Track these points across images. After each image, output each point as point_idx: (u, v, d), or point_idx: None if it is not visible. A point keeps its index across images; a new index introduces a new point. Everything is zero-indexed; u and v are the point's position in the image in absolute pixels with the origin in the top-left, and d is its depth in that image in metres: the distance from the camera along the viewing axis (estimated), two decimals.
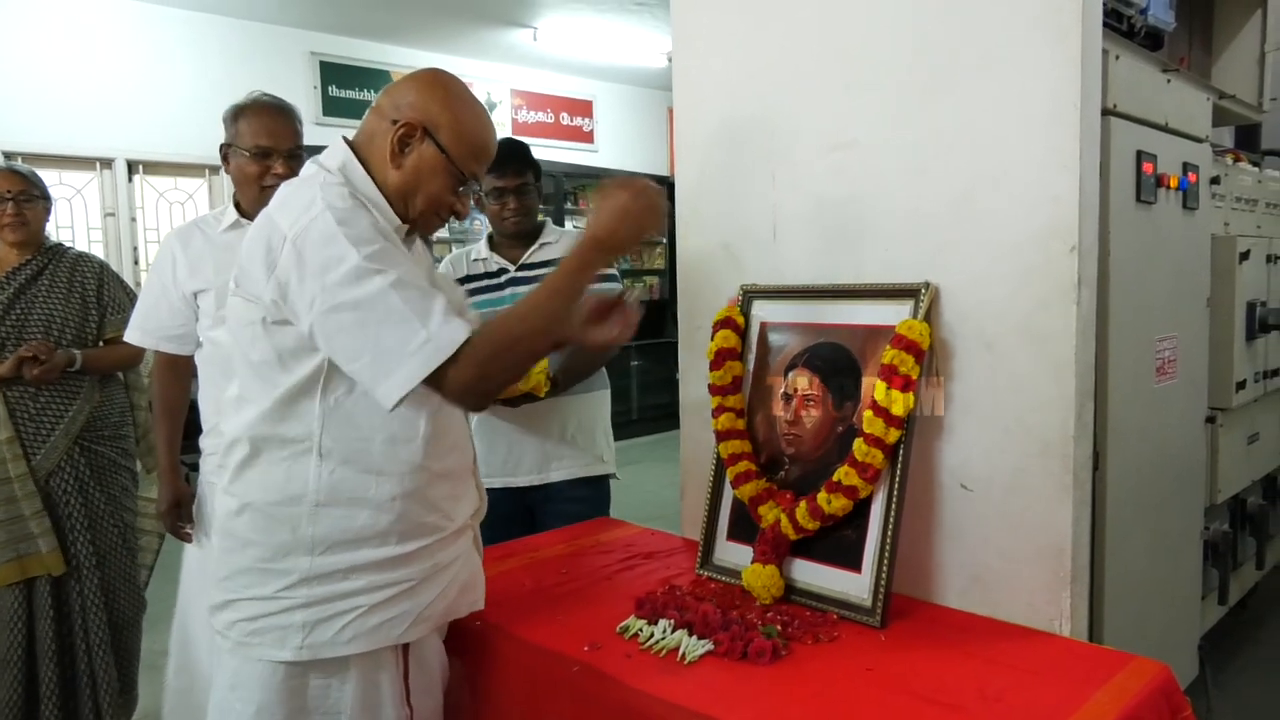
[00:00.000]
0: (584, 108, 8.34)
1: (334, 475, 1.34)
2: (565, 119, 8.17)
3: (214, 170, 6.14)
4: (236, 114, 2.11)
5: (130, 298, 2.74)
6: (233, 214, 2.16)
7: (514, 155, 2.43)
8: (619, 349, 2.51)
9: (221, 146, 2.15)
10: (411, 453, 1.37)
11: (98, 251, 5.74)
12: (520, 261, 2.47)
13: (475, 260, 2.52)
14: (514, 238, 2.49)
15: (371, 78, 6.87)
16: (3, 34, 5.34)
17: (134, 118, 5.79)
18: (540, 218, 2.57)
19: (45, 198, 2.61)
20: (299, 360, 1.32)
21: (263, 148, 2.07)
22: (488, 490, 2.36)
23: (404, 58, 7.04)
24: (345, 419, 1.34)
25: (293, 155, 2.10)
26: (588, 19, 6.53)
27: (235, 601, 1.37)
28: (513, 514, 2.40)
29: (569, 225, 2.44)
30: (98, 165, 5.76)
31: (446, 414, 1.41)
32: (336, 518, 1.34)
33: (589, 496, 2.48)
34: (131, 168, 5.87)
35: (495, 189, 2.42)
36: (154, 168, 5.97)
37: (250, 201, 2.11)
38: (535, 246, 2.48)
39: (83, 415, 2.54)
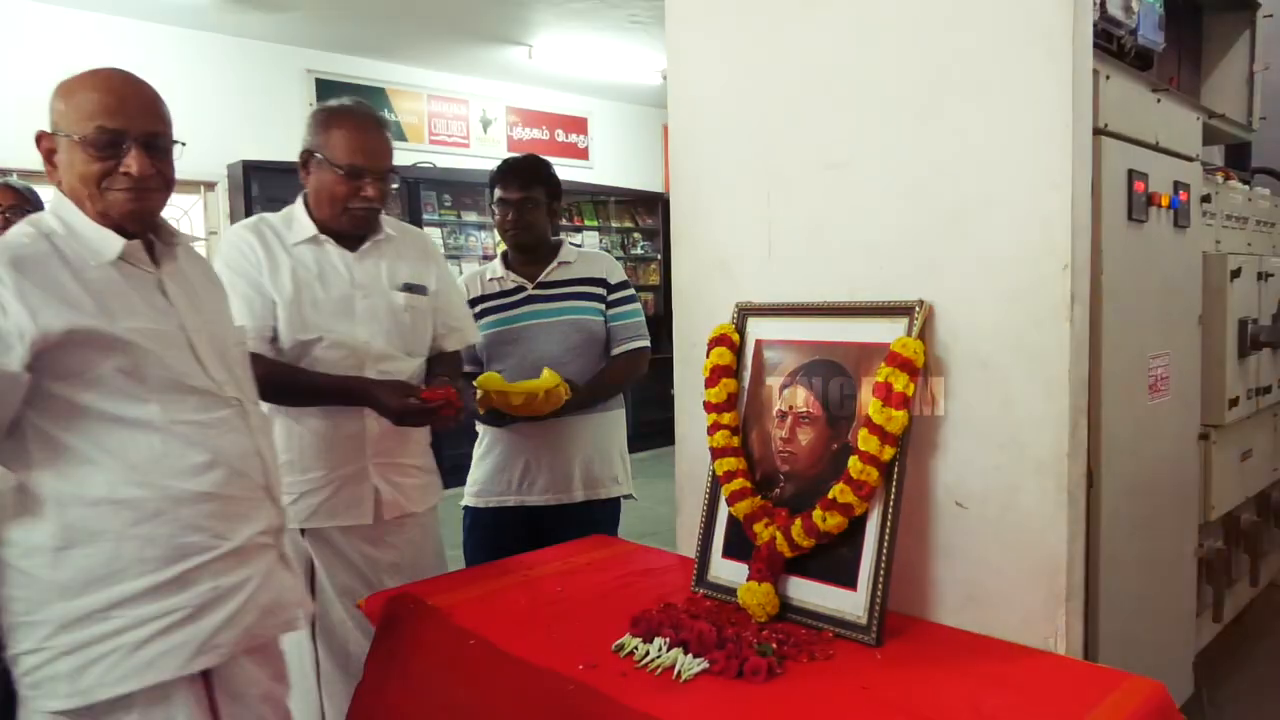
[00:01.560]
0: (579, 125, 8.37)
1: (65, 515, 1.32)
2: (560, 136, 8.20)
3: (209, 187, 6.15)
4: (328, 121, 1.93)
5: None
6: (309, 226, 1.96)
7: (521, 169, 2.46)
8: (640, 375, 2.54)
9: (303, 153, 1.96)
10: (146, 475, 1.35)
11: None
12: (538, 280, 2.47)
13: (490, 279, 2.53)
14: (519, 251, 2.50)
15: (367, 95, 6.88)
16: None
17: None
18: (555, 238, 2.58)
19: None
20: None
21: (357, 167, 1.90)
22: (502, 509, 2.40)
23: (399, 75, 7.07)
24: (61, 454, 1.32)
25: (384, 176, 1.96)
26: (583, 36, 6.57)
27: (15, 656, 1.36)
28: (524, 533, 2.39)
29: (566, 242, 2.48)
30: None
31: (197, 433, 1.40)
32: (79, 558, 1.32)
33: (603, 519, 2.48)
34: None
35: (501, 199, 2.45)
36: None
37: (328, 218, 1.95)
38: (553, 265, 2.49)
39: None
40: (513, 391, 2.20)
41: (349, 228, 1.96)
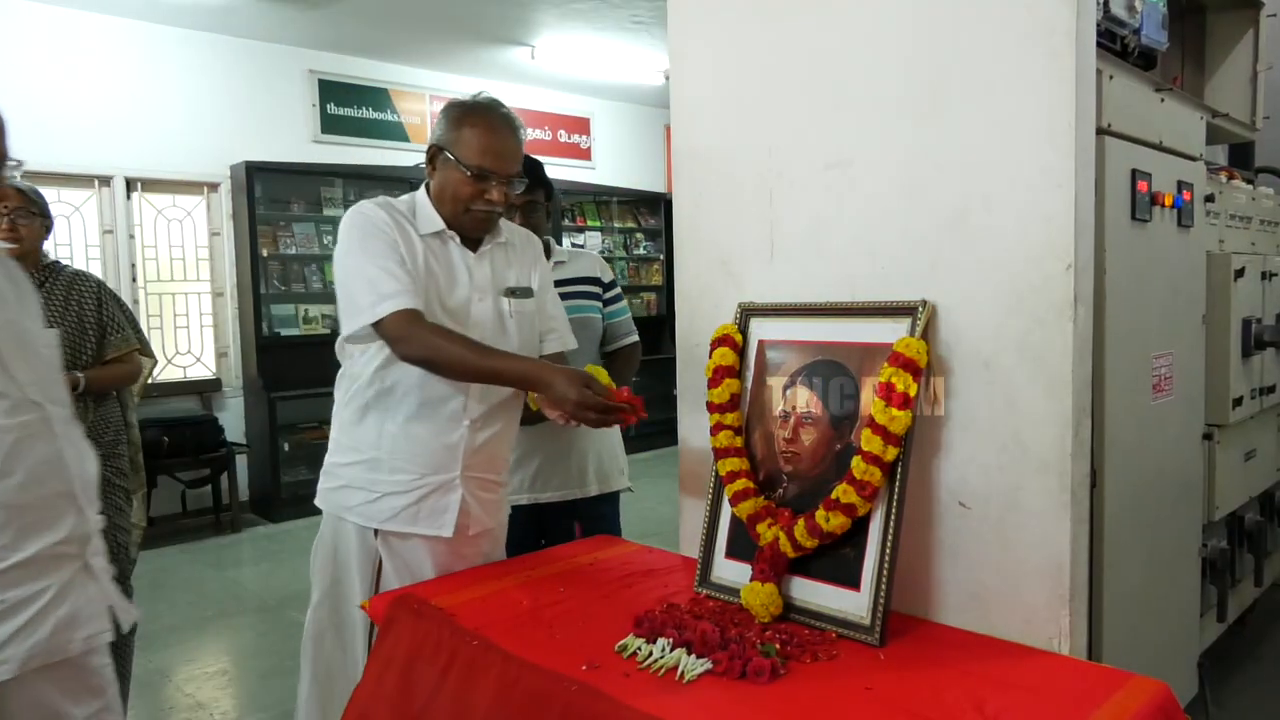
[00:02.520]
0: (581, 125, 8.37)
1: None
2: (563, 136, 8.20)
3: (212, 188, 6.16)
4: (460, 119, 1.85)
5: (127, 316, 2.74)
6: (437, 220, 1.89)
7: (524, 172, 2.48)
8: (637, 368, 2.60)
9: (431, 147, 1.88)
10: None
11: (95, 269, 5.74)
12: None
13: None
14: None
15: (370, 96, 6.90)
16: (2, 51, 5.37)
17: (133, 135, 5.81)
18: (545, 238, 2.61)
19: (44, 215, 2.61)
20: None
21: (485, 170, 1.82)
22: (514, 507, 2.39)
23: (403, 76, 7.07)
24: None
25: (511, 181, 1.88)
26: (585, 37, 6.57)
27: None
28: (532, 530, 2.42)
29: (566, 243, 2.52)
30: (96, 183, 5.77)
31: None
32: None
33: (609, 512, 2.55)
34: (130, 185, 5.88)
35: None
36: (152, 185, 5.98)
37: (449, 216, 1.88)
38: (549, 265, 2.50)
39: None
40: None
41: (469, 228, 1.91)
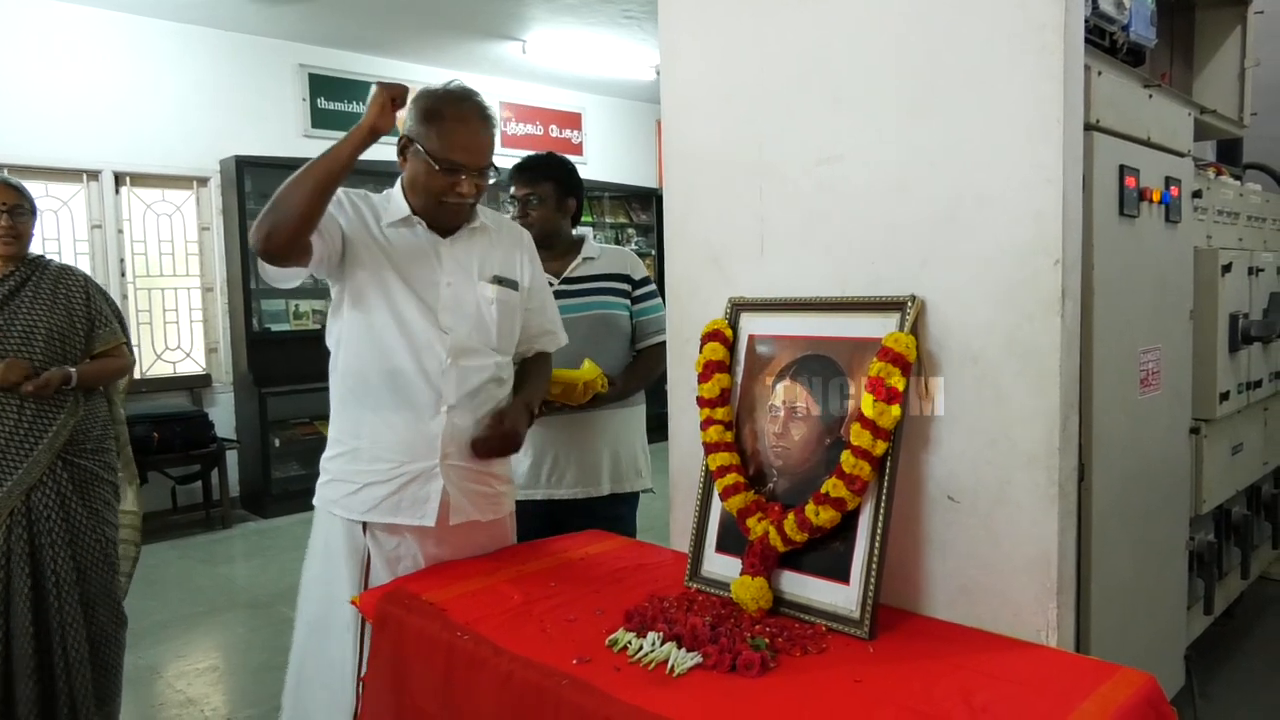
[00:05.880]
0: (573, 120, 8.36)
1: None
2: (554, 131, 8.19)
3: (201, 182, 6.13)
4: (428, 112, 1.83)
5: (114, 310, 2.73)
6: (404, 207, 1.89)
7: (527, 166, 2.51)
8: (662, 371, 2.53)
9: (401, 138, 1.87)
10: None
11: (84, 264, 5.71)
12: (563, 275, 2.49)
13: None
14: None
15: (360, 90, 6.86)
16: None
17: (121, 130, 5.77)
18: (577, 233, 2.58)
19: (34, 211, 2.61)
20: None
21: (454, 163, 1.81)
22: (526, 502, 2.38)
23: (393, 70, 7.04)
24: None
25: (482, 173, 1.87)
26: (577, 32, 6.56)
27: None
28: (546, 526, 2.41)
29: (588, 239, 2.52)
30: (84, 177, 5.74)
31: None
32: None
33: (625, 513, 2.52)
34: (119, 179, 5.84)
35: (510, 196, 2.48)
36: (141, 180, 5.95)
37: (421, 208, 1.89)
38: (577, 260, 2.50)
39: (66, 429, 2.53)
40: (551, 380, 2.20)
41: (442, 220, 1.91)
